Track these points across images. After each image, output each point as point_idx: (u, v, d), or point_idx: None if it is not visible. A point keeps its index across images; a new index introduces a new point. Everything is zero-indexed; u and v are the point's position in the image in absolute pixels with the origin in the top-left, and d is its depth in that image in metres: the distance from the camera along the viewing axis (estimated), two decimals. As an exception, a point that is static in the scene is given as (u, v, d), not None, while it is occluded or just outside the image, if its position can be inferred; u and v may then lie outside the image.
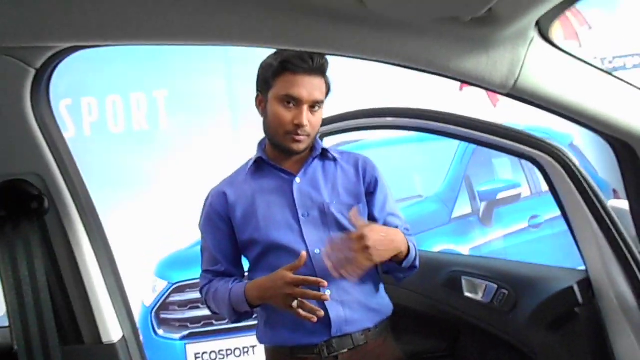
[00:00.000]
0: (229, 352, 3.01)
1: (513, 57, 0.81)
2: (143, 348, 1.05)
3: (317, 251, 1.26)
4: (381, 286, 1.36)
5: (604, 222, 1.23)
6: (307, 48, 0.87)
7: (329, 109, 1.77)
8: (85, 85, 3.85)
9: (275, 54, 1.28)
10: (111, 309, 0.99)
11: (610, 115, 0.89)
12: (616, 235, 1.22)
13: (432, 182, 3.62)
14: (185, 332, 3.06)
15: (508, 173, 3.73)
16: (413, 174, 3.89)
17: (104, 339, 0.97)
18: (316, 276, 1.21)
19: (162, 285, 3.18)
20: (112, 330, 0.98)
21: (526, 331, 1.41)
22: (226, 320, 3.11)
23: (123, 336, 1.00)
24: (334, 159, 1.35)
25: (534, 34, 0.81)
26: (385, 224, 1.33)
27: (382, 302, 1.35)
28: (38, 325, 0.89)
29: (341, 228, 1.28)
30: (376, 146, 3.77)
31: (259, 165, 1.35)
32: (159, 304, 3.14)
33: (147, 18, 0.79)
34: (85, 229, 1.00)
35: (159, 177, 3.82)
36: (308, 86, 1.25)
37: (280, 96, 1.26)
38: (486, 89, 0.86)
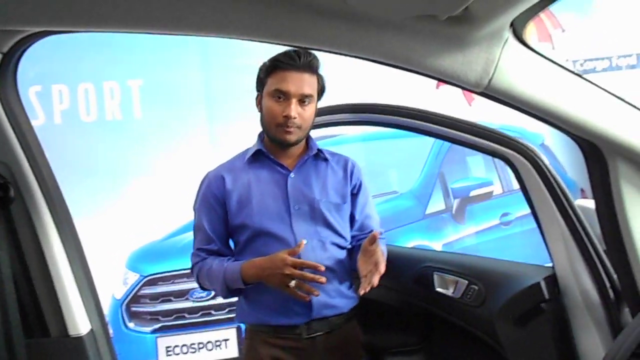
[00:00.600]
0: (200, 345, 2.99)
1: (488, 57, 0.82)
2: (112, 341, 1.03)
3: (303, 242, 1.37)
4: (351, 276, 1.48)
5: (570, 221, 1.27)
6: (285, 41, 0.87)
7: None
8: (56, 72, 3.73)
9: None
10: (79, 302, 0.97)
11: (579, 117, 0.91)
12: (582, 233, 1.26)
13: (407, 179, 3.66)
14: (157, 325, 3.03)
15: (481, 171, 3.80)
16: (389, 170, 3.92)
17: (71, 332, 0.95)
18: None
19: (133, 277, 3.13)
20: (79, 323, 0.96)
21: (495, 325, 1.44)
22: (198, 314, 3.09)
23: (91, 329, 0.98)
24: (326, 160, 1.47)
25: (508, 34, 0.82)
26: (362, 224, 1.49)
27: (352, 290, 1.48)
28: (1, 317, 0.87)
29: (326, 224, 1.41)
30: (353, 142, 3.79)
31: (257, 157, 1.45)
32: (129, 297, 3.09)
33: (123, 5, 0.77)
34: (53, 219, 0.98)
35: (132, 168, 3.74)
36: (296, 81, 1.36)
37: (271, 91, 1.38)
38: (461, 87, 0.88)
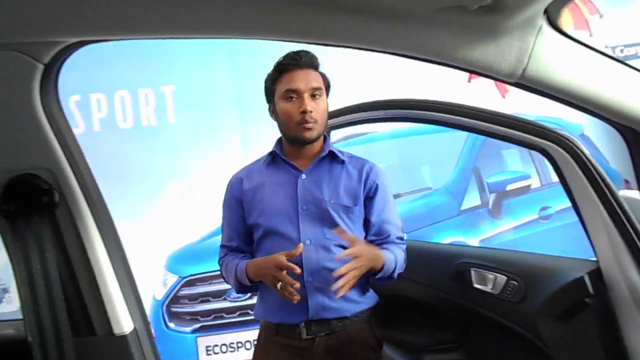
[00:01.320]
0: (239, 344, 3.04)
1: (521, 46, 0.80)
2: (154, 340, 1.06)
3: (307, 242, 1.40)
4: (363, 280, 1.44)
5: (615, 212, 1.22)
6: (313, 40, 0.87)
7: (338, 102, 1.78)
8: (94, 81, 3.87)
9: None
10: (122, 301, 1.00)
11: (620, 103, 0.88)
12: (627, 225, 1.21)
13: (441, 174, 3.60)
14: (196, 325, 3.09)
15: (517, 164, 3.70)
16: (422, 166, 3.87)
17: (116, 331, 0.99)
18: (302, 264, 1.37)
19: (172, 279, 3.21)
20: (123, 321, 0.99)
21: (536, 322, 1.41)
22: (236, 314, 3.15)
23: (134, 328, 1.01)
24: (342, 162, 1.48)
25: (542, 22, 0.80)
26: (380, 229, 1.48)
27: (364, 294, 1.47)
28: (51, 317, 0.91)
29: (334, 225, 1.42)
30: (384, 139, 3.76)
31: (274, 159, 1.50)
32: (169, 298, 3.17)
33: (154, 12, 0.79)
34: (96, 222, 1.01)
35: (168, 171, 3.84)
36: (303, 78, 1.42)
37: (282, 94, 1.43)
38: (494, 78, 0.86)
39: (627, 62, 0.93)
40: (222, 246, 1.55)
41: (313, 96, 1.42)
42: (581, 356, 1.33)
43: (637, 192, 1.07)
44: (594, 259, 1.33)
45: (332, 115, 1.80)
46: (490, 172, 3.48)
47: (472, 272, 1.59)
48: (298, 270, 1.32)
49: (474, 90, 3.87)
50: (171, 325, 3.14)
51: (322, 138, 1.48)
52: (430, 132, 3.41)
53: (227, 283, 1.54)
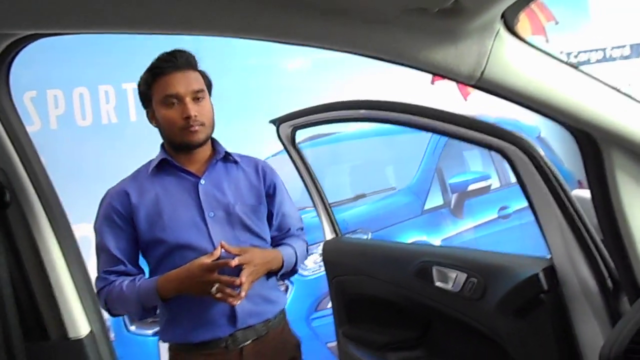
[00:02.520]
0: (202, 347, 2.98)
1: (480, 49, 0.82)
2: (112, 344, 1.03)
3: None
4: (275, 280, 1.46)
5: (568, 211, 1.27)
6: (275, 38, 0.86)
7: (304, 103, 1.77)
8: (51, 76, 3.73)
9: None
10: (78, 304, 0.97)
11: (573, 107, 0.92)
12: (579, 223, 1.26)
13: (405, 175, 3.66)
14: (158, 328, 3.02)
15: (478, 165, 3.81)
16: (386, 167, 3.92)
17: (71, 335, 0.95)
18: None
19: (134, 280, 3.13)
20: (79, 325, 0.96)
21: (494, 318, 1.45)
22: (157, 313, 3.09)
23: (91, 331, 0.98)
24: (235, 162, 1.43)
25: (499, 26, 0.82)
26: (281, 224, 1.48)
27: (279, 294, 1.48)
28: (0, 321, 0.87)
29: (245, 227, 1.38)
30: (350, 139, 3.79)
31: (162, 167, 1.40)
32: (130, 300, 3.09)
33: (115, 5, 0.77)
34: (50, 223, 0.98)
35: (129, 171, 3.75)
36: (182, 81, 1.32)
37: (161, 99, 1.33)
38: (454, 80, 0.88)
39: (580, 67, 0.97)
40: (103, 272, 1.35)
41: (196, 99, 1.33)
42: (536, 350, 1.38)
43: (588, 191, 1.12)
44: (549, 256, 1.39)
45: (298, 115, 1.81)
46: (453, 172, 3.56)
47: (434, 271, 1.62)
48: (233, 263, 1.24)
49: (437, 92, 3.95)
50: (132, 328, 3.05)
51: (210, 141, 1.40)
52: (394, 133, 3.46)
53: (115, 314, 1.40)
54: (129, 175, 1.44)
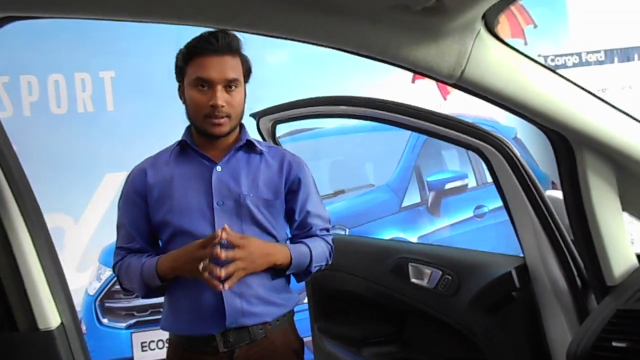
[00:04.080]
0: (177, 340, 2.96)
1: (460, 49, 0.83)
2: (83, 335, 1.01)
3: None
4: (284, 281, 1.36)
5: (540, 211, 1.30)
6: (259, 31, 0.86)
7: (285, 97, 1.76)
8: (25, 62, 3.63)
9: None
10: (48, 295, 0.95)
11: (548, 109, 0.94)
12: (551, 223, 1.29)
13: (384, 172, 3.69)
14: (132, 321, 2.99)
15: (456, 164, 3.85)
16: (365, 163, 3.94)
17: (41, 326, 0.93)
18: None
19: (107, 273, 3.08)
20: (49, 316, 0.94)
21: (467, 314, 1.47)
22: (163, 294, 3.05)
23: (61, 323, 0.96)
24: (260, 152, 1.36)
25: (480, 26, 0.83)
26: (303, 222, 1.37)
27: (286, 296, 1.35)
28: (-33, 312, 0.84)
29: (255, 221, 1.30)
30: (330, 135, 3.79)
31: (184, 149, 1.35)
32: (103, 293, 3.04)
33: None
34: (21, 212, 0.95)
35: (105, 161, 3.68)
36: (218, 66, 1.26)
37: (192, 81, 1.27)
38: (434, 78, 0.88)
39: (556, 70, 0.99)
40: (118, 248, 1.35)
41: (228, 87, 1.27)
42: (506, 345, 1.41)
43: (561, 192, 1.14)
44: (521, 255, 1.42)
45: (278, 109, 1.80)
46: (431, 171, 3.60)
47: (410, 267, 1.64)
48: (224, 235, 1.18)
49: (417, 90, 3.98)
50: (104, 321, 3.01)
51: (237, 127, 1.34)
52: (374, 130, 3.48)
53: (126, 289, 1.36)
54: (154, 155, 1.39)
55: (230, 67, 1.28)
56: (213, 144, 1.32)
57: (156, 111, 3.76)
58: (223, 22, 0.83)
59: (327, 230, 1.42)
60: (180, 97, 1.34)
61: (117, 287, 3.03)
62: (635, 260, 1.06)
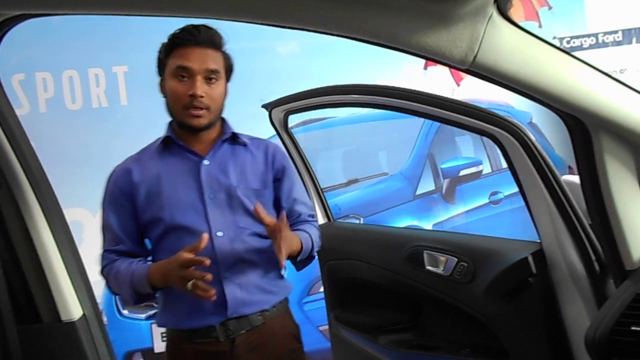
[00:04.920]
0: (195, 330, 3.00)
1: (472, 33, 0.82)
2: (105, 326, 1.04)
3: (219, 234, 1.28)
4: (277, 271, 1.36)
5: (557, 196, 1.28)
6: (269, 21, 0.86)
7: (296, 87, 1.76)
8: (39, 59, 3.67)
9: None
10: (70, 287, 0.97)
11: (563, 92, 0.92)
12: (568, 208, 1.28)
13: (398, 160, 3.67)
14: (151, 312, 3.03)
15: (470, 151, 3.82)
16: (379, 152, 3.93)
17: (63, 317, 0.96)
18: (217, 258, 1.24)
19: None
20: (71, 308, 0.96)
21: (484, 301, 1.47)
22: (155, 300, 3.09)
23: (83, 314, 0.98)
24: (244, 144, 1.37)
25: (492, 10, 0.82)
26: (291, 210, 1.39)
27: (281, 284, 1.38)
28: (-8, 304, 0.87)
29: (247, 212, 1.30)
30: (342, 124, 3.78)
31: (167, 145, 1.34)
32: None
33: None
34: (41, 206, 0.97)
35: (120, 155, 3.72)
36: (199, 56, 1.26)
37: (172, 70, 1.27)
38: (447, 64, 0.87)
39: (572, 53, 0.97)
40: (106, 251, 1.33)
41: (208, 79, 1.27)
42: (523, 332, 1.40)
43: (578, 177, 1.13)
44: (538, 240, 1.41)
45: (290, 99, 1.80)
46: (444, 158, 3.57)
47: (425, 255, 1.64)
48: (207, 261, 1.18)
49: (430, 77, 3.94)
50: (124, 312, 3.07)
51: (218, 122, 1.35)
52: (387, 118, 3.46)
53: (115, 293, 1.37)
54: (136, 153, 1.39)
55: (211, 58, 1.28)
56: (197, 138, 1.32)
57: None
58: (231, 13, 0.83)
59: (313, 216, 1.46)
60: (161, 91, 1.34)
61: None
62: (654, 244, 1.04)
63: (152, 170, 1.32)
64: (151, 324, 3.01)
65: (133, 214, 1.32)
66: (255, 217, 1.29)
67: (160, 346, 3.02)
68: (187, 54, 1.26)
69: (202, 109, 1.26)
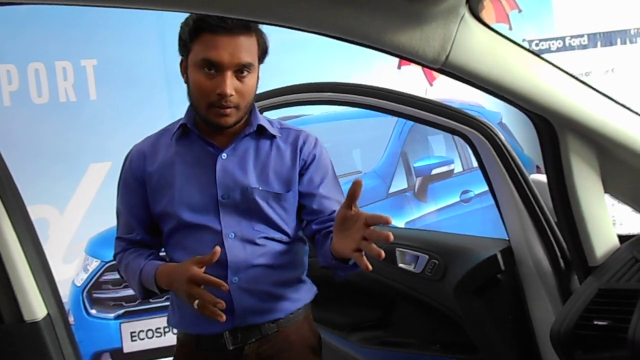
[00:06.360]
0: (167, 329, 2.96)
1: (445, 33, 0.83)
2: (70, 326, 1.01)
3: (231, 235, 1.15)
4: (299, 273, 1.25)
5: (525, 195, 1.32)
6: (241, 15, 0.85)
7: (270, 84, 1.75)
8: (3, 50, 3.54)
9: None
10: (34, 286, 0.94)
11: (533, 93, 0.94)
12: (535, 206, 1.31)
13: (371, 158, 3.69)
14: (120, 311, 2.98)
15: (442, 150, 3.88)
16: (353, 150, 3.95)
17: (26, 317, 0.92)
18: (227, 262, 1.13)
19: (94, 264, 3.06)
20: (35, 308, 0.93)
21: (454, 298, 1.49)
22: (164, 297, 3.02)
23: (48, 314, 0.95)
24: (272, 137, 1.21)
25: (464, 11, 0.83)
26: (320, 206, 1.20)
27: (302, 289, 1.24)
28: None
29: (263, 217, 1.16)
30: (316, 122, 3.78)
31: (185, 132, 1.21)
32: (91, 283, 3.03)
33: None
34: (3, 203, 0.93)
35: (89, 151, 3.62)
36: (230, 47, 1.08)
37: (198, 61, 1.10)
38: (420, 63, 0.88)
39: (541, 54, 1.00)
40: (118, 239, 1.24)
41: (239, 72, 1.10)
42: (492, 328, 1.44)
43: (545, 176, 1.16)
44: (507, 238, 1.44)
45: (263, 97, 1.78)
46: (417, 156, 3.62)
47: (397, 252, 1.65)
48: (225, 287, 1.05)
49: (403, 76, 3.98)
50: (92, 312, 3.00)
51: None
52: (361, 117, 3.48)
53: (128, 283, 1.25)
54: (156, 133, 1.25)
55: (245, 49, 1.09)
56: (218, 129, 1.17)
57: (140, 101, 3.71)
58: (204, 7, 0.82)
59: None
60: (182, 74, 1.17)
61: (105, 277, 3.03)
62: (616, 240, 1.08)
63: (166, 157, 1.19)
64: (120, 323, 2.95)
65: (145, 201, 1.20)
66: (272, 223, 1.16)
67: (129, 346, 2.96)
68: (215, 44, 1.07)
69: (230, 107, 1.11)
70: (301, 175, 1.21)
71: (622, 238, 1.08)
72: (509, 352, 1.41)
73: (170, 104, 3.61)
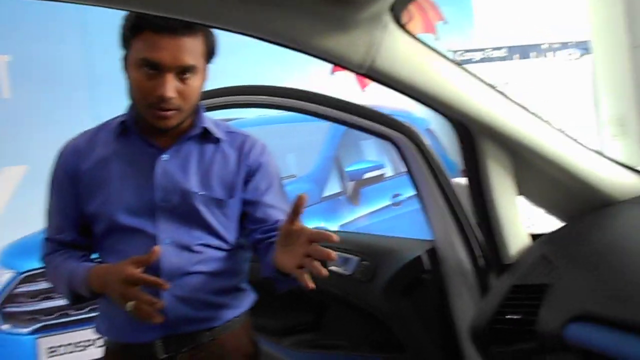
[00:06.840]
0: (88, 342, 2.80)
1: (369, 39, 0.85)
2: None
3: (167, 241, 1.11)
4: (237, 280, 1.22)
5: (448, 197, 1.38)
6: (169, 14, 0.82)
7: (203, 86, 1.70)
8: None
9: None
10: None
11: (453, 101, 0.99)
12: (458, 208, 1.37)
13: (306, 162, 3.71)
14: (37, 325, 2.77)
15: (374, 154, 3.97)
16: (287, 154, 3.95)
17: None
18: (160, 268, 1.08)
19: (7, 275, 2.83)
20: None
21: (383, 299, 1.53)
22: (85, 309, 2.85)
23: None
24: (217, 141, 1.17)
25: (388, 18, 0.86)
26: (264, 215, 1.16)
27: (240, 297, 1.22)
28: None
29: (202, 223, 1.12)
30: (250, 125, 3.74)
31: (125, 129, 1.15)
32: (4, 297, 2.80)
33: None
34: None
35: (2, 153, 3.36)
36: (172, 49, 1.02)
37: (138, 60, 1.05)
38: (346, 68, 0.90)
39: (464, 64, 1.05)
40: (48, 240, 1.18)
41: (182, 74, 1.05)
42: (417, 327, 1.49)
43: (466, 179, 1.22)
44: (432, 239, 1.50)
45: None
46: (350, 161, 3.68)
47: (329, 255, 1.66)
48: (166, 285, 1.02)
49: (336, 82, 4.05)
50: (5, 327, 2.77)
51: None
52: (295, 121, 3.48)
53: (55, 287, 1.19)
54: (94, 128, 1.17)
55: (188, 50, 1.04)
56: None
57: (60, 100, 3.50)
58: (122, 3, 0.78)
59: None
60: (123, 70, 1.11)
61: (19, 290, 2.81)
62: (528, 239, 1.15)
63: (102, 155, 1.12)
64: (36, 339, 2.74)
65: (77, 201, 1.14)
66: (211, 230, 1.12)
67: (47, 362, 2.77)
68: (157, 44, 1.01)
69: (171, 110, 1.06)
70: (246, 182, 1.18)
71: (535, 237, 1.15)
72: (434, 350, 1.46)
73: (92, 103, 3.43)
